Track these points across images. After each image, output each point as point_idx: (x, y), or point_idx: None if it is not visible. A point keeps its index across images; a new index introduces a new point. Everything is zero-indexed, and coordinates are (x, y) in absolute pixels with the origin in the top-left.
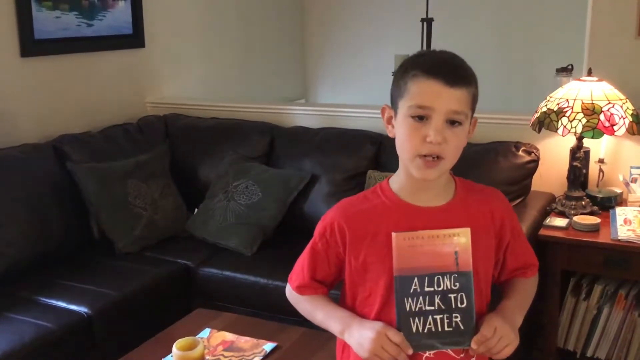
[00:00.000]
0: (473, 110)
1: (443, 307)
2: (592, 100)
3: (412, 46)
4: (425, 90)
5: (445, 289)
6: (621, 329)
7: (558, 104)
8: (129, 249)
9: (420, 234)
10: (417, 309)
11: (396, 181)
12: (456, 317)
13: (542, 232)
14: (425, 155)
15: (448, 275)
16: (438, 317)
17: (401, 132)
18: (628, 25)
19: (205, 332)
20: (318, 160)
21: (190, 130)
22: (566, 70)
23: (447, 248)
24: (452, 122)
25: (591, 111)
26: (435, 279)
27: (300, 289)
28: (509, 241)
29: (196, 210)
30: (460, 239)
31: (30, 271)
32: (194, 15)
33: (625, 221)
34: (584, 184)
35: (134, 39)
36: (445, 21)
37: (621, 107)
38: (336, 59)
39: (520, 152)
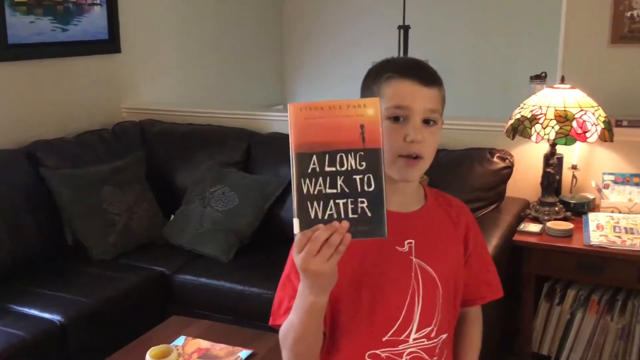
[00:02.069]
0: (443, 110)
1: (347, 190)
2: (564, 107)
3: (390, 53)
4: (402, 91)
5: (349, 169)
6: (594, 334)
7: (531, 111)
8: (103, 256)
9: (320, 104)
10: (315, 192)
11: None
12: (362, 202)
13: (517, 237)
14: (405, 156)
15: (352, 153)
16: (341, 201)
17: None
18: (601, 34)
19: (180, 340)
20: None
21: (167, 136)
22: (540, 78)
23: (351, 121)
24: (428, 122)
25: (564, 118)
26: (338, 157)
27: None
28: (470, 251)
29: (172, 216)
30: (368, 110)
31: (2, 278)
32: (171, 20)
33: (597, 227)
34: (557, 190)
35: (110, 44)
36: (421, 29)
37: (593, 114)
38: (315, 66)
39: (495, 159)
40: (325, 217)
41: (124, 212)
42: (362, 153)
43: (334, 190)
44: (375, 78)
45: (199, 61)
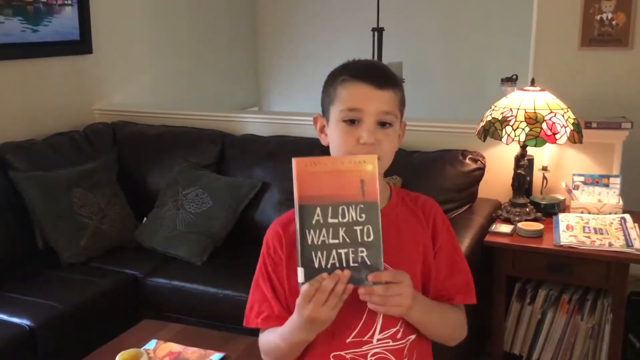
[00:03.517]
0: (402, 112)
1: (348, 240)
2: (534, 109)
3: (364, 55)
4: (355, 93)
5: (350, 220)
6: (565, 333)
7: (502, 113)
8: (74, 259)
9: (323, 160)
10: (319, 242)
11: None
12: (362, 251)
13: (488, 238)
14: None
15: (353, 206)
16: (343, 251)
17: (335, 137)
18: (571, 37)
19: (152, 344)
20: (269, 168)
21: (139, 138)
22: (511, 80)
23: (352, 176)
24: (383, 124)
25: (534, 120)
26: (340, 209)
27: (267, 320)
28: (439, 247)
29: (145, 219)
30: (367, 166)
31: None
32: (144, 21)
33: (567, 227)
34: (528, 191)
35: (81, 44)
36: (395, 31)
37: (562, 116)
38: (289, 67)
39: (467, 160)
40: (329, 266)
41: (95, 215)
42: (362, 205)
43: (337, 241)
44: (332, 81)
45: (172, 62)
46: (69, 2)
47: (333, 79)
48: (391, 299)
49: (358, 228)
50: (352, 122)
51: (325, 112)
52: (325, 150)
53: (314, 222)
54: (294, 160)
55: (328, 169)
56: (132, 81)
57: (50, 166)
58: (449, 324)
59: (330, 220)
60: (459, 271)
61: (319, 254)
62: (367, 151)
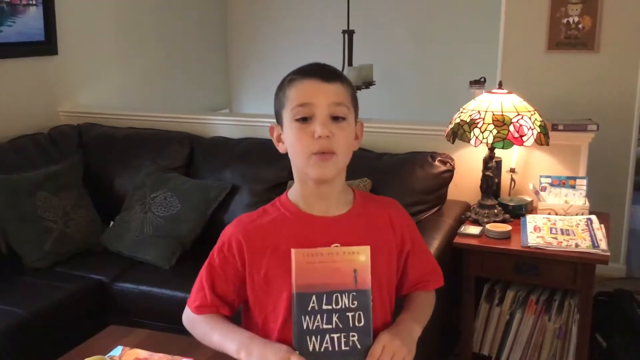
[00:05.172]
0: (355, 108)
1: (341, 325)
2: (502, 112)
3: (334, 57)
4: (304, 89)
5: (343, 307)
6: (533, 333)
7: (470, 115)
8: (38, 264)
9: (320, 251)
10: (314, 327)
11: (294, 193)
12: (353, 336)
13: (457, 240)
14: (317, 153)
15: (346, 294)
16: (335, 335)
17: (290, 138)
18: (538, 40)
19: (117, 350)
20: (239, 170)
21: (106, 140)
22: (479, 83)
23: (346, 266)
24: (336, 118)
25: (501, 122)
26: (334, 296)
27: (200, 309)
28: (409, 250)
29: (111, 223)
30: (360, 257)
31: None
32: (111, 21)
33: (535, 228)
34: (496, 193)
35: (46, 45)
36: (366, 33)
37: (529, 118)
38: (260, 69)
39: (436, 162)
40: (322, 350)
41: (60, 219)
42: (355, 293)
43: (330, 326)
44: (281, 86)
45: (140, 64)
46: (34, 2)
47: (282, 83)
48: None
49: (350, 314)
50: (304, 119)
51: (278, 119)
52: (285, 157)
53: (309, 308)
54: (293, 251)
55: (324, 260)
56: (98, 83)
57: (14, 169)
58: (429, 315)
59: (324, 307)
60: (430, 262)
61: (313, 338)
62: (323, 145)
